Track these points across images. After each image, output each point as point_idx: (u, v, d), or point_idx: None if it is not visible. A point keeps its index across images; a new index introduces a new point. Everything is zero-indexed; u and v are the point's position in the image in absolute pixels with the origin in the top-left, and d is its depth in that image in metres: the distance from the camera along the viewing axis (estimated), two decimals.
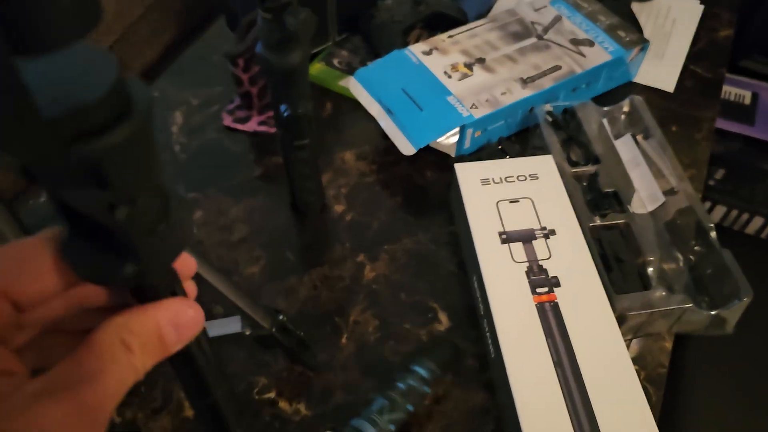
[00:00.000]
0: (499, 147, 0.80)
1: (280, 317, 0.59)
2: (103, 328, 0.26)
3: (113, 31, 0.89)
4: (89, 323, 0.28)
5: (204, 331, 0.32)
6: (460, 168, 0.70)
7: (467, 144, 0.79)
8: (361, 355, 0.64)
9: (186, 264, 0.31)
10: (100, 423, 0.25)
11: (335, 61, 0.92)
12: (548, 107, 0.79)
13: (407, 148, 0.74)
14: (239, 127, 0.84)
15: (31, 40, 0.17)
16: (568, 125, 0.77)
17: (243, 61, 0.78)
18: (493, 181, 0.68)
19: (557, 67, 0.83)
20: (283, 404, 0.61)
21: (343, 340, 0.65)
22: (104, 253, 0.25)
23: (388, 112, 0.77)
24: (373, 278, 0.70)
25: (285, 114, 0.63)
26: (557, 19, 0.89)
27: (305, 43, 0.59)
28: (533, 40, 0.86)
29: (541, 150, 0.76)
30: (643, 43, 0.86)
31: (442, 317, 0.67)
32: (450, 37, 0.86)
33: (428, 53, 0.83)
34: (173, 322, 0.28)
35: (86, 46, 0.20)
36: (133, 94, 0.22)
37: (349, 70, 0.89)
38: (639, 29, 0.94)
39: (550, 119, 0.78)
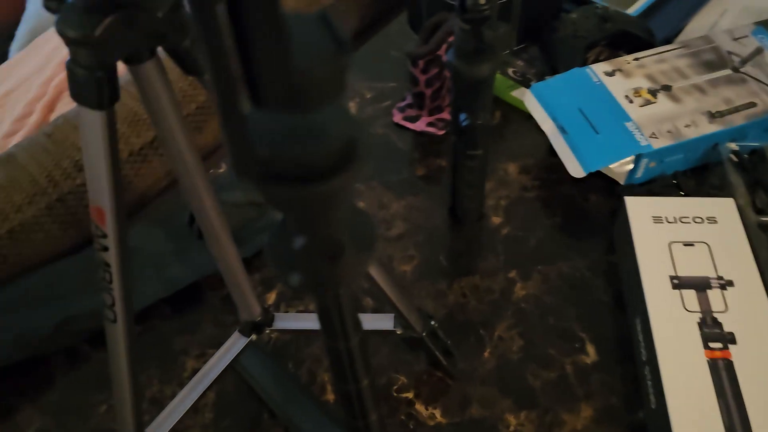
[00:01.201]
0: (674, 181, 0.76)
1: (432, 323, 0.60)
2: None
3: None
4: None
5: (363, 331, 0.33)
6: (631, 202, 0.67)
7: (639, 173, 0.75)
8: (501, 373, 0.64)
9: None
10: None
11: (510, 71, 0.91)
12: (734, 146, 0.74)
13: (576, 170, 0.73)
14: (408, 125, 0.86)
15: (300, 104, 0.20)
16: (755, 168, 0.72)
17: (423, 62, 0.80)
18: (666, 220, 0.65)
19: (752, 104, 0.77)
20: (419, 406, 0.62)
21: (486, 354, 0.65)
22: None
23: (562, 130, 0.76)
24: (523, 297, 0.69)
25: (464, 123, 0.64)
26: (758, 51, 0.83)
27: (498, 57, 0.59)
28: (728, 71, 0.81)
29: (720, 191, 0.72)
30: None
31: (590, 349, 0.65)
32: (636, 59, 0.82)
33: (610, 74, 0.81)
34: None
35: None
36: (359, 139, 0.22)
37: (523, 81, 0.88)
38: None
39: (735, 159, 0.73)
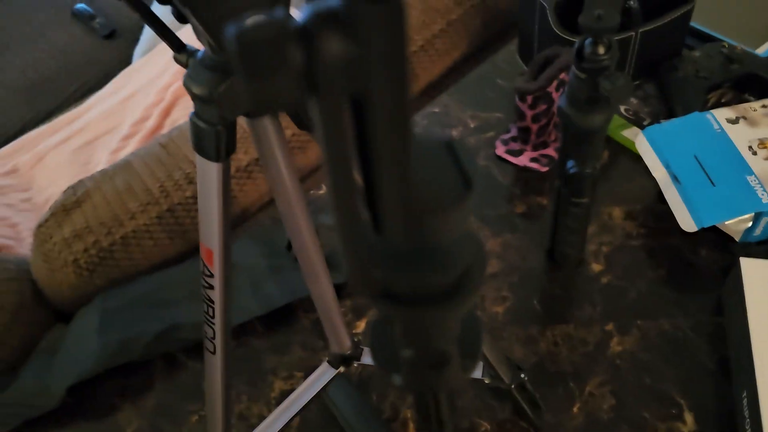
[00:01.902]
0: None
1: (522, 375, 0.59)
2: None
3: (414, 42, 0.93)
4: None
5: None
6: (747, 264, 0.63)
7: (758, 231, 0.71)
8: (589, 431, 0.62)
9: None
10: None
11: (623, 108, 0.87)
12: None
13: (688, 224, 0.69)
14: (511, 159, 0.84)
15: (420, 239, 0.20)
16: None
17: (532, 98, 0.78)
18: None
19: None
20: None
21: (575, 409, 0.63)
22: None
23: (674, 179, 0.72)
24: (618, 352, 0.66)
25: (571, 170, 0.62)
26: None
27: (613, 108, 0.57)
28: None
29: None
30: None
31: (688, 417, 0.62)
32: (764, 106, 0.77)
33: (734, 121, 0.76)
34: None
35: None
36: (478, 265, 0.22)
37: (636, 120, 0.85)
38: None
39: None
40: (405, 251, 0.20)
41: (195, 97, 0.36)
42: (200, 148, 0.39)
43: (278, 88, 0.15)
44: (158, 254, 0.80)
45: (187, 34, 0.40)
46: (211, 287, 0.45)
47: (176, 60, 0.38)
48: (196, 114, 0.37)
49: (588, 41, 0.53)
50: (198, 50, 0.37)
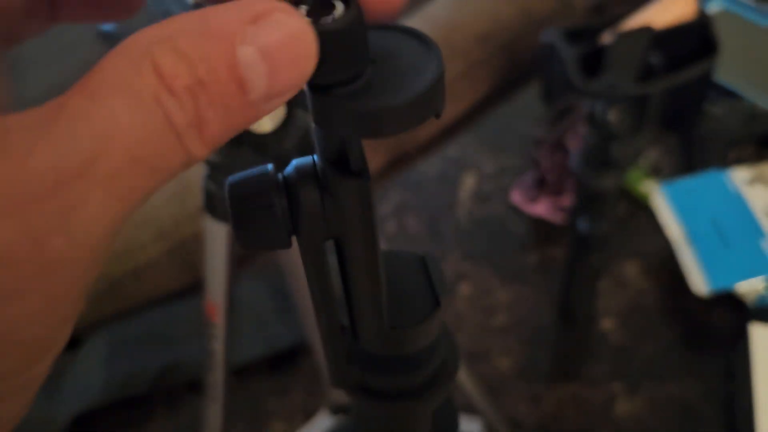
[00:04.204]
0: None
1: None
2: (127, 42, 0.14)
3: None
4: None
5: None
6: (758, 332, 0.62)
7: None
8: None
9: None
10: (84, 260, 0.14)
11: (641, 161, 0.87)
12: None
13: (700, 286, 0.68)
14: (525, 208, 0.84)
15: (394, 351, 0.21)
16: None
17: (547, 147, 0.78)
18: None
19: None
20: None
21: None
22: None
23: (688, 239, 0.71)
24: (625, 415, 0.65)
25: (583, 229, 0.62)
26: None
27: (624, 172, 0.57)
28: None
29: None
30: None
31: None
32: None
33: (751, 183, 0.75)
34: (262, 41, 0.14)
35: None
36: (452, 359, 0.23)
37: (655, 172, 0.84)
38: None
39: None
40: (382, 358, 0.22)
41: (207, 162, 0.37)
42: (210, 208, 0.39)
43: (263, 232, 0.18)
44: (167, 287, 0.80)
45: None
46: (214, 338, 0.45)
47: None
48: (209, 176, 0.38)
49: (600, 106, 0.53)
50: None
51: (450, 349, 0.23)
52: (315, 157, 0.18)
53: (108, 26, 1.60)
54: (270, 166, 0.18)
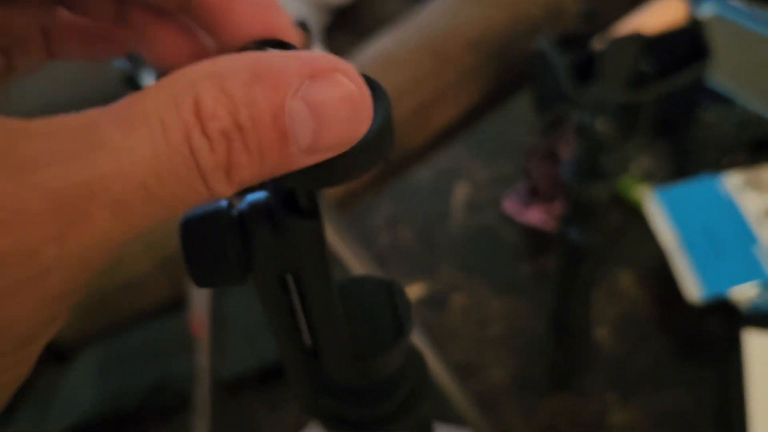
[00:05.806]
0: None
1: None
2: (176, 74, 0.14)
3: (425, 91, 0.94)
4: None
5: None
6: (751, 339, 0.61)
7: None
8: None
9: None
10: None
11: (634, 166, 0.86)
12: None
13: (693, 293, 0.67)
14: (518, 217, 0.83)
15: (359, 380, 0.21)
16: None
17: (538, 156, 0.77)
18: None
19: None
20: None
21: None
22: None
23: (681, 246, 0.71)
24: (618, 424, 0.65)
25: (573, 240, 0.61)
26: None
27: (614, 183, 0.56)
28: None
29: None
30: None
31: None
32: None
33: (744, 188, 0.75)
34: (315, 98, 0.14)
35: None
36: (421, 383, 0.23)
37: (647, 179, 0.84)
38: None
39: None
40: (349, 388, 0.22)
41: None
42: None
43: (216, 273, 0.17)
44: (158, 300, 0.80)
45: None
46: (200, 352, 0.45)
47: None
48: None
49: (588, 116, 0.53)
50: None
51: (420, 373, 0.23)
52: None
53: (119, 62, 1.59)
54: (224, 203, 0.17)
